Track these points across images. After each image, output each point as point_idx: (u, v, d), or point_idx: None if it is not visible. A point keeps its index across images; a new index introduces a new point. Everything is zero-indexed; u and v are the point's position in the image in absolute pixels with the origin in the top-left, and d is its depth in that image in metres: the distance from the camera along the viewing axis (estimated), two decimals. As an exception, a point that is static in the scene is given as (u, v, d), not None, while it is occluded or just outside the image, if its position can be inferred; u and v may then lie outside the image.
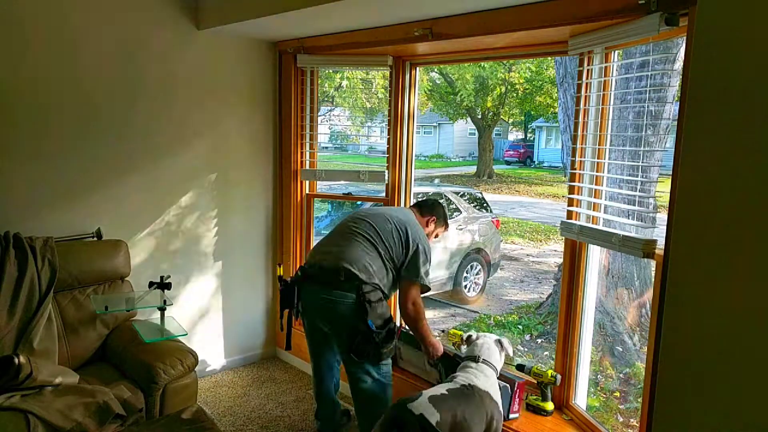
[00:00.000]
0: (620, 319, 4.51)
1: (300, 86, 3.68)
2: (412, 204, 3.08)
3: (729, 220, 1.49)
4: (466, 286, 6.45)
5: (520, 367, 2.86)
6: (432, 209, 2.90)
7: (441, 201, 2.85)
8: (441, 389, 2.26)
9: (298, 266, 3.84)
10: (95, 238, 3.02)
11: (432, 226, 2.87)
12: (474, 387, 2.31)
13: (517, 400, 2.72)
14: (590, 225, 2.52)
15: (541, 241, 9.57)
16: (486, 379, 2.39)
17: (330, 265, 2.47)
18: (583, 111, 2.56)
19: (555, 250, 8.84)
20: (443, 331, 5.65)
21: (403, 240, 2.60)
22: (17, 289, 2.59)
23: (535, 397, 2.77)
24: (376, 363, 2.49)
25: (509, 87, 14.60)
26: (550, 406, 2.71)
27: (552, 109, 14.66)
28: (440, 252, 6.21)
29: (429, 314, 6.06)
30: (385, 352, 2.46)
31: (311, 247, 3.83)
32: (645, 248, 2.16)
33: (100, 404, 2.29)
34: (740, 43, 1.45)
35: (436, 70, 14.93)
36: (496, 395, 2.38)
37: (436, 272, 6.13)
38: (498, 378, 2.56)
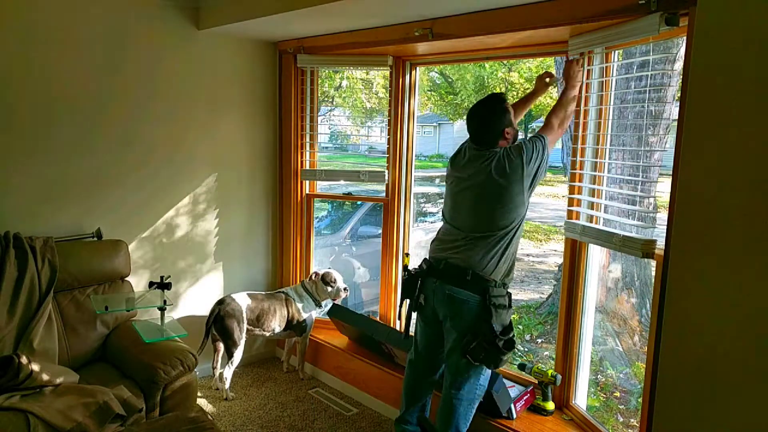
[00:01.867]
0: (620, 318, 4.51)
1: (300, 86, 3.68)
2: (473, 144, 2.50)
3: (729, 219, 1.49)
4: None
5: (522, 367, 2.86)
6: (493, 126, 2.40)
7: (490, 103, 2.47)
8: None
9: (300, 267, 3.85)
10: (95, 238, 3.02)
11: (509, 138, 2.44)
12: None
13: (523, 403, 2.73)
14: (592, 225, 2.52)
15: (541, 241, 9.56)
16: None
17: (457, 262, 2.38)
18: (583, 111, 2.56)
19: (555, 250, 8.83)
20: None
21: (507, 197, 2.33)
22: (17, 289, 2.59)
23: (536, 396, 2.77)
24: (494, 367, 2.39)
25: (509, 87, 14.60)
26: (550, 405, 2.72)
27: (552, 110, 14.64)
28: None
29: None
30: (504, 359, 2.33)
31: (310, 249, 3.84)
32: (644, 248, 2.16)
33: (100, 404, 2.29)
34: (740, 43, 1.45)
35: (436, 70, 14.92)
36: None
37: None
38: (508, 380, 2.70)
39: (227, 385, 3.35)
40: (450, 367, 2.46)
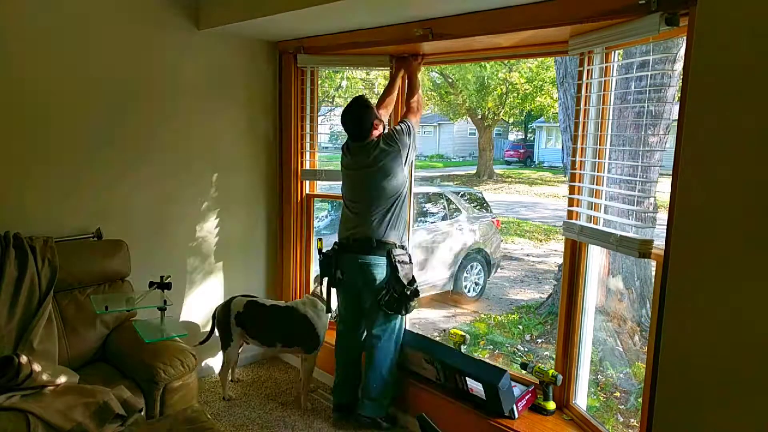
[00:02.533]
0: (620, 319, 4.51)
1: (300, 86, 3.68)
2: (351, 143, 3.04)
3: (729, 219, 1.49)
4: (466, 287, 6.45)
5: (523, 366, 2.86)
6: (362, 122, 2.91)
7: (354, 106, 2.98)
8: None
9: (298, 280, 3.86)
10: (95, 238, 3.02)
11: (378, 128, 2.96)
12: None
13: (524, 402, 2.73)
14: (590, 225, 2.52)
15: (541, 241, 9.56)
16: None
17: (361, 236, 2.90)
18: (584, 111, 2.56)
19: (555, 250, 8.83)
20: (444, 330, 5.65)
21: (389, 179, 2.86)
22: (17, 289, 2.59)
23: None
24: (405, 313, 2.95)
25: (510, 87, 14.60)
26: (551, 405, 2.72)
27: (552, 109, 14.65)
28: (441, 252, 6.20)
29: (429, 314, 6.07)
30: (413, 305, 2.92)
31: (311, 249, 3.86)
32: (641, 248, 2.16)
33: (100, 404, 2.29)
34: (740, 43, 1.45)
35: (436, 70, 14.92)
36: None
37: (437, 272, 6.13)
38: (511, 380, 2.77)
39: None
40: (369, 321, 3.00)
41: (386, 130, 2.99)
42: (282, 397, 3.42)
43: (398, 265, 2.87)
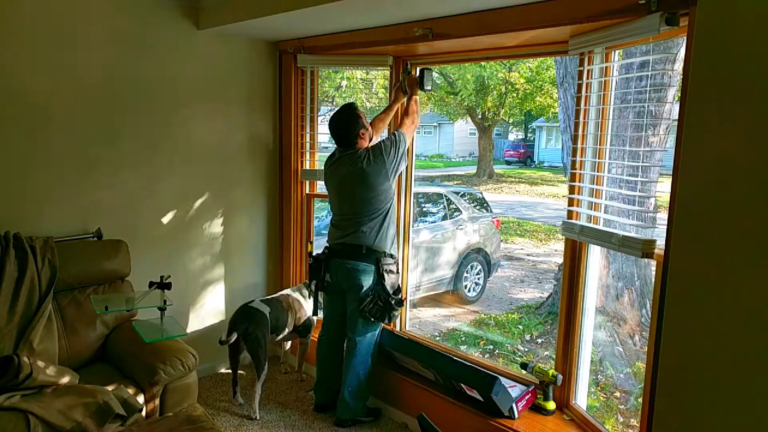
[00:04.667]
0: (620, 319, 4.51)
1: (300, 86, 3.68)
2: (340, 151, 3.03)
3: (729, 219, 1.49)
4: (466, 286, 6.45)
5: (524, 366, 2.86)
6: (350, 129, 2.92)
7: (343, 113, 3.00)
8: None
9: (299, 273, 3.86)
10: (95, 238, 3.02)
11: (366, 138, 2.97)
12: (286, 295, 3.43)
13: (524, 402, 2.73)
14: (591, 225, 2.52)
15: (541, 241, 9.56)
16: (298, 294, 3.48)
17: (352, 242, 2.93)
18: (584, 111, 2.56)
19: (556, 250, 8.83)
20: (443, 332, 5.64)
21: (372, 189, 2.87)
22: (17, 289, 2.59)
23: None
24: (388, 321, 2.99)
25: (509, 87, 14.59)
26: (551, 405, 2.72)
27: (552, 109, 14.65)
28: (443, 252, 6.20)
29: (430, 314, 6.07)
30: (396, 314, 2.96)
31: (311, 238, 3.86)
32: (644, 248, 2.15)
33: (100, 404, 2.29)
34: (740, 43, 1.45)
35: (436, 70, 14.92)
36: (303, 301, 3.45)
37: (437, 272, 6.13)
38: (510, 380, 2.85)
39: (257, 400, 3.20)
40: (350, 325, 3.03)
41: (375, 142, 2.98)
42: (282, 397, 3.42)
43: (385, 274, 2.91)
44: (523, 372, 2.90)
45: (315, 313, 3.25)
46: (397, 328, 3.48)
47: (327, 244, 3.10)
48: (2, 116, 2.72)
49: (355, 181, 2.90)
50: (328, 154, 3.15)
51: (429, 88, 3.07)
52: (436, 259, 6.15)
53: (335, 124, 2.97)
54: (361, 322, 2.97)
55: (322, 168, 3.74)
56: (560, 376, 2.70)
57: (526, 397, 2.74)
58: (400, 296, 2.97)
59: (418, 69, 3.20)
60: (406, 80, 3.11)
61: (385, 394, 3.24)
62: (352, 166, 2.89)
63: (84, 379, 2.54)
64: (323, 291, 3.13)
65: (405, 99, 3.12)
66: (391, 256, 2.98)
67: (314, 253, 3.15)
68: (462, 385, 2.79)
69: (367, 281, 2.92)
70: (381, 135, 3.20)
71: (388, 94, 3.44)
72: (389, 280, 2.92)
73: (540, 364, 2.79)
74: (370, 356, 3.06)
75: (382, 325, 3.08)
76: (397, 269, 3.01)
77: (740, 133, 1.46)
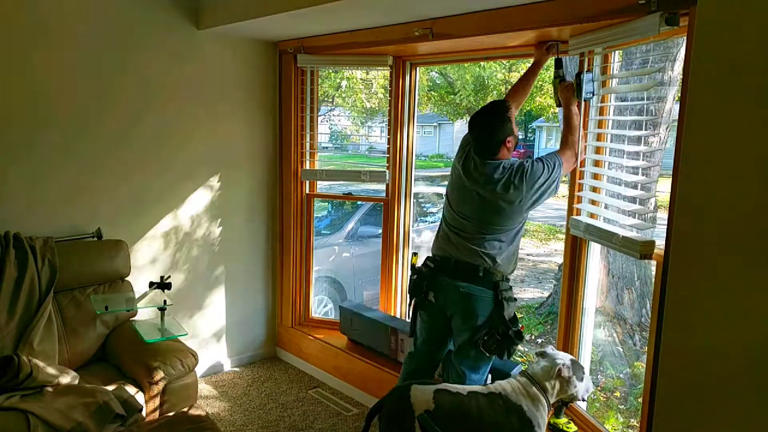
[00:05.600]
0: (620, 318, 4.51)
1: (300, 86, 3.68)
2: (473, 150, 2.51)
3: (729, 219, 1.49)
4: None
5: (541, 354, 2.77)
6: (494, 135, 2.41)
7: (490, 115, 2.46)
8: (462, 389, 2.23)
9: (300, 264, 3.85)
10: (95, 238, 3.02)
11: (511, 145, 2.47)
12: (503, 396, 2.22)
13: None
14: (595, 224, 2.51)
15: (541, 241, 9.57)
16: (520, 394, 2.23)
17: (468, 260, 2.45)
18: (584, 111, 2.56)
19: (556, 250, 8.84)
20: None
21: (505, 211, 2.39)
22: (17, 289, 2.59)
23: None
24: (507, 357, 2.45)
25: (509, 87, 14.59)
26: (563, 420, 2.63)
27: (552, 109, 14.64)
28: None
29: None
30: (515, 349, 2.45)
31: (311, 248, 3.84)
32: (643, 249, 2.15)
33: (100, 404, 2.29)
34: (740, 43, 1.45)
35: (436, 70, 14.92)
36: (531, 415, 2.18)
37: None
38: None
39: None
40: (460, 358, 2.51)
41: (524, 161, 2.42)
42: (282, 397, 3.42)
43: (504, 302, 2.41)
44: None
45: (411, 334, 2.72)
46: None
47: (432, 255, 2.61)
48: (2, 116, 2.72)
49: (487, 199, 2.41)
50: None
51: (590, 96, 2.47)
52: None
53: (478, 130, 2.46)
54: (475, 353, 2.46)
55: (323, 168, 3.76)
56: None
57: None
58: (518, 327, 2.45)
59: (563, 68, 2.62)
60: (560, 90, 2.57)
61: (377, 389, 3.23)
62: (489, 182, 2.40)
63: (84, 379, 2.54)
64: (421, 309, 2.62)
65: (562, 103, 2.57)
66: (508, 280, 2.50)
67: (417, 265, 2.66)
68: None
69: (483, 310, 2.42)
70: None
71: (387, 95, 3.44)
72: (508, 309, 2.42)
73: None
74: None
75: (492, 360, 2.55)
76: (515, 296, 2.51)
77: (740, 133, 1.46)
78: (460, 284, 2.44)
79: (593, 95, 2.47)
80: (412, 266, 2.70)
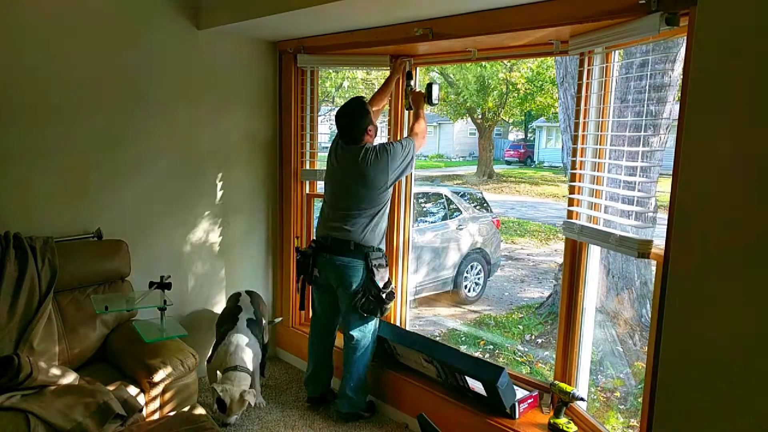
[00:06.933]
0: (620, 318, 4.51)
1: (300, 86, 3.68)
2: (343, 148, 3.00)
3: (729, 219, 1.49)
4: (466, 286, 6.45)
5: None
6: (356, 124, 2.90)
7: (351, 108, 2.96)
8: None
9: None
10: (95, 238, 3.02)
11: (372, 134, 2.96)
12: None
13: (526, 405, 2.73)
14: (590, 225, 2.52)
15: (542, 241, 9.56)
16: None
17: (340, 237, 2.92)
18: (584, 111, 2.56)
19: (556, 250, 8.83)
20: (445, 331, 5.64)
21: (373, 184, 2.86)
22: (17, 289, 2.59)
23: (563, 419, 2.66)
24: (381, 315, 2.99)
25: (510, 87, 14.59)
26: (562, 421, 2.63)
27: (552, 109, 14.65)
28: (441, 252, 6.20)
29: (430, 313, 6.07)
30: (387, 307, 2.96)
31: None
32: (641, 248, 2.15)
33: (100, 404, 2.29)
34: (740, 43, 1.45)
35: (436, 70, 14.91)
36: None
37: (437, 272, 6.13)
38: (520, 383, 2.81)
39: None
40: (345, 322, 3.04)
41: (385, 141, 2.96)
42: (282, 397, 3.42)
43: (374, 269, 2.90)
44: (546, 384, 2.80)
45: (302, 308, 3.30)
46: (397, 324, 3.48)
47: (314, 238, 3.12)
48: (2, 116, 2.72)
49: (356, 179, 2.89)
50: (328, 154, 3.13)
51: (436, 102, 3.08)
52: (435, 260, 6.15)
53: (341, 118, 2.93)
54: (356, 317, 2.98)
55: (323, 168, 3.75)
56: (578, 392, 2.61)
57: (528, 401, 2.74)
58: (390, 289, 2.96)
59: (413, 80, 3.20)
60: (411, 96, 3.11)
61: (386, 393, 3.24)
62: (355, 164, 2.87)
63: (84, 379, 2.54)
64: (312, 285, 3.14)
65: (396, 79, 3.14)
66: (380, 249, 2.98)
67: (301, 248, 3.16)
68: (466, 377, 2.78)
69: (357, 277, 2.91)
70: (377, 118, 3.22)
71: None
72: (379, 275, 2.91)
73: (561, 383, 2.67)
74: (369, 351, 3.08)
75: (378, 319, 3.08)
76: (387, 262, 2.99)
77: (740, 133, 1.46)
78: (335, 258, 2.93)
79: (438, 101, 3.12)
80: (297, 249, 3.19)
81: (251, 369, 2.98)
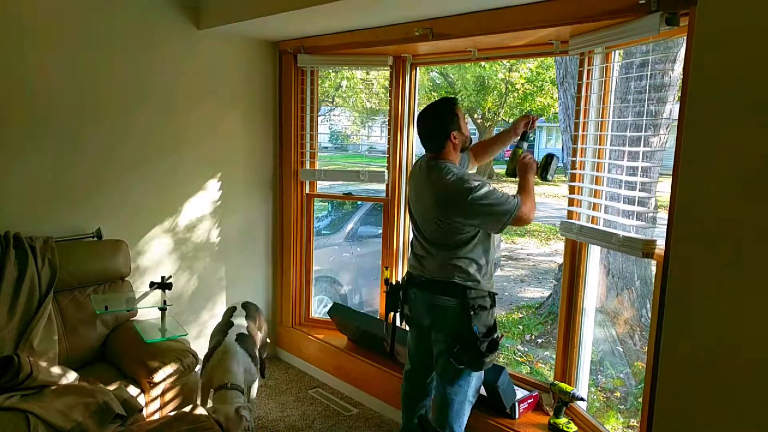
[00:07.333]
0: (620, 318, 4.51)
1: (300, 86, 3.68)
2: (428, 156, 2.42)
3: (729, 219, 1.49)
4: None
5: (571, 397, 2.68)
6: (436, 126, 2.31)
7: (433, 107, 2.38)
8: None
9: (303, 267, 3.85)
10: (95, 238, 3.02)
11: (458, 143, 2.35)
12: None
13: (526, 405, 2.73)
14: (590, 225, 2.51)
15: (541, 241, 9.56)
16: None
17: (430, 271, 2.38)
18: (584, 111, 2.56)
19: (556, 250, 8.84)
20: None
21: (448, 219, 2.27)
22: (17, 289, 2.58)
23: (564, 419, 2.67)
24: (477, 369, 2.36)
25: (510, 87, 14.59)
26: (563, 420, 2.64)
27: (552, 109, 14.64)
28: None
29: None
30: (487, 361, 2.32)
31: (311, 248, 3.83)
32: (645, 248, 2.16)
33: (100, 404, 2.29)
34: (740, 43, 1.45)
35: (436, 70, 14.91)
36: None
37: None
38: (520, 383, 2.72)
39: None
40: (439, 371, 2.43)
41: (473, 180, 2.26)
42: (282, 397, 3.42)
43: (472, 312, 2.29)
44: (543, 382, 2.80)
45: (391, 350, 2.74)
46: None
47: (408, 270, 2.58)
48: (2, 116, 2.72)
49: (428, 199, 2.33)
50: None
51: (551, 180, 2.50)
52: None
53: (421, 120, 2.38)
54: (451, 368, 2.35)
55: (323, 168, 3.76)
56: (578, 393, 2.61)
57: (528, 401, 2.75)
58: (495, 336, 2.32)
59: (527, 142, 2.60)
60: (519, 162, 2.46)
61: (377, 389, 3.23)
62: (430, 179, 2.32)
63: (84, 379, 2.53)
64: (406, 323, 2.61)
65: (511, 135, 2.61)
66: (482, 288, 2.33)
67: (393, 281, 2.61)
68: None
69: (452, 320, 2.33)
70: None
71: (387, 95, 3.44)
72: (478, 320, 2.29)
73: (561, 383, 2.68)
74: (464, 411, 2.43)
75: (480, 373, 2.43)
76: (493, 303, 2.36)
77: (740, 133, 1.46)
78: (426, 295, 2.38)
79: (552, 179, 2.49)
80: (386, 281, 2.64)
81: (242, 386, 2.70)
